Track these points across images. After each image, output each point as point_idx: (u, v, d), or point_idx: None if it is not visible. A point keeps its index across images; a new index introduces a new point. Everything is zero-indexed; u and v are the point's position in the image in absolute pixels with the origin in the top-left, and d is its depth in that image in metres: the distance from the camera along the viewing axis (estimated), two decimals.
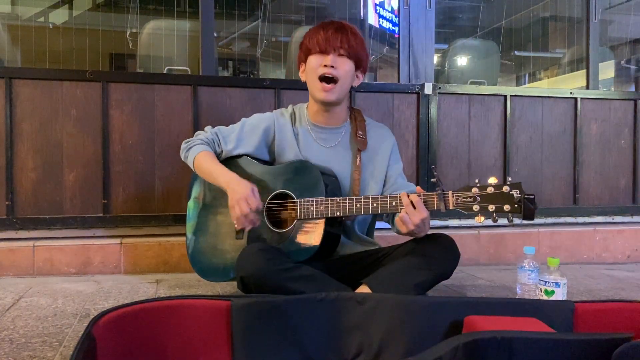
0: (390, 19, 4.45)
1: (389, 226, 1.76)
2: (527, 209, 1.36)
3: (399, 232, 1.69)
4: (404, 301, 1.23)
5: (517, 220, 1.41)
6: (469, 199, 1.41)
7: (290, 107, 1.82)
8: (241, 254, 1.51)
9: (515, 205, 1.37)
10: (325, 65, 1.63)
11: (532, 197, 1.36)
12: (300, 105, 1.82)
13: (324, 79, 1.64)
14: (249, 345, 1.19)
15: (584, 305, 1.26)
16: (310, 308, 1.23)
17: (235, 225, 1.61)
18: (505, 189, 1.38)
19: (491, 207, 1.39)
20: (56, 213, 2.24)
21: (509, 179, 1.41)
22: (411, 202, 1.45)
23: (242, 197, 1.56)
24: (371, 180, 1.75)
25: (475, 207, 1.40)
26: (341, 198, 1.55)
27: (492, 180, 1.40)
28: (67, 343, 1.34)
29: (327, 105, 1.71)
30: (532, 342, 0.99)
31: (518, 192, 1.37)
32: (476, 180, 1.43)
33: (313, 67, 1.66)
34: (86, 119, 2.26)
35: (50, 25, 3.57)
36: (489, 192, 1.39)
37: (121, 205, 2.29)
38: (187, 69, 2.90)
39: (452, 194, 1.43)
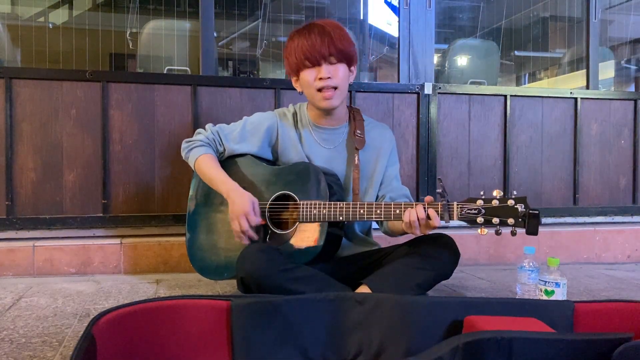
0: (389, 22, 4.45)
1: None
2: (532, 223, 1.36)
3: (391, 232, 1.69)
4: (404, 301, 1.23)
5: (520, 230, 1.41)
6: (473, 211, 1.41)
7: (291, 107, 1.81)
8: (241, 254, 1.51)
9: (520, 220, 1.37)
10: (321, 78, 1.60)
11: (536, 212, 1.36)
12: (300, 105, 1.81)
13: (323, 90, 1.62)
14: (249, 345, 1.19)
15: (584, 305, 1.26)
16: (310, 308, 1.23)
17: (236, 238, 1.62)
18: (510, 202, 1.38)
19: (495, 220, 1.39)
20: (56, 213, 2.24)
21: (514, 192, 1.41)
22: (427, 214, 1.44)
23: (242, 213, 1.56)
24: (371, 179, 1.75)
25: (480, 220, 1.41)
26: (344, 203, 1.55)
27: (497, 193, 1.40)
28: (67, 343, 1.34)
29: (330, 111, 1.70)
30: (532, 342, 0.99)
31: (523, 207, 1.37)
32: (481, 192, 1.43)
33: (309, 82, 1.63)
34: (86, 119, 2.26)
35: (50, 25, 3.57)
36: (494, 205, 1.40)
37: (121, 205, 2.29)
38: (187, 69, 2.90)
39: (457, 205, 1.43)
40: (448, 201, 1.43)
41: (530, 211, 1.36)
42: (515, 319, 1.20)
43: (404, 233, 1.63)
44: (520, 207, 1.37)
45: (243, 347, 1.19)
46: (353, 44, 1.67)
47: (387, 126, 1.85)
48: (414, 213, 1.44)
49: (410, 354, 1.15)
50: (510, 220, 1.38)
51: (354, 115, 1.78)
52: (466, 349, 0.97)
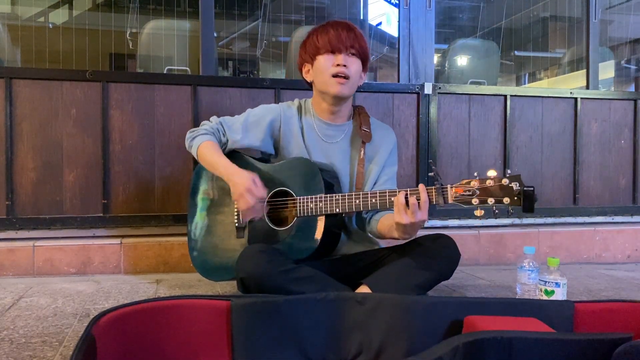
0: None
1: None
2: (527, 201, 1.34)
3: (379, 234, 1.66)
4: (404, 301, 1.23)
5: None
6: (468, 193, 1.40)
7: (296, 101, 1.82)
8: (241, 255, 1.51)
9: (515, 198, 1.35)
10: (338, 65, 1.64)
11: (531, 189, 1.33)
12: (306, 99, 1.82)
13: (337, 77, 1.65)
14: (249, 345, 1.19)
15: (584, 305, 1.26)
16: (310, 308, 1.23)
17: (241, 218, 1.63)
18: (505, 181, 1.36)
19: (490, 200, 1.37)
20: (56, 213, 2.24)
21: (508, 171, 1.39)
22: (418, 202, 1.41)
23: (244, 189, 1.55)
24: (371, 175, 1.75)
25: (475, 201, 1.38)
26: (340, 194, 1.55)
27: (491, 173, 1.38)
28: (67, 343, 1.34)
29: (338, 100, 1.70)
30: (532, 342, 0.99)
31: (517, 185, 1.35)
32: (475, 174, 1.40)
33: (324, 67, 1.66)
34: (86, 119, 2.26)
35: (50, 25, 3.57)
36: (488, 185, 1.37)
37: (121, 205, 2.29)
38: (187, 69, 2.90)
39: (451, 187, 1.42)
40: (442, 184, 1.42)
41: (525, 188, 1.34)
42: (515, 319, 1.20)
43: (392, 237, 1.60)
44: (515, 185, 1.35)
45: (243, 347, 1.19)
46: (368, 51, 1.73)
47: (390, 127, 1.86)
48: (401, 196, 1.42)
49: (410, 354, 1.15)
50: (506, 200, 1.35)
51: (359, 112, 1.79)
52: (466, 349, 0.97)
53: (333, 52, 1.65)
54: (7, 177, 2.19)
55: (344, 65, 1.64)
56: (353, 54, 1.67)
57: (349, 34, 1.65)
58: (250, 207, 1.56)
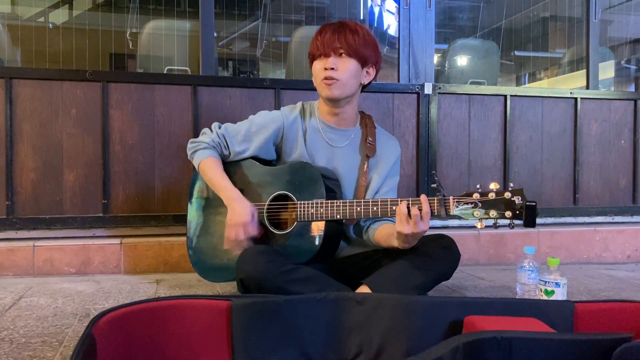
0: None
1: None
2: (529, 216, 1.34)
3: (376, 243, 1.65)
4: (404, 301, 1.23)
5: (517, 221, 1.40)
6: (469, 205, 1.40)
7: (299, 104, 1.80)
8: (241, 256, 1.51)
9: (517, 212, 1.35)
10: (326, 69, 1.62)
11: (533, 204, 1.34)
12: (312, 102, 1.81)
13: (325, 79, 1.64)
14: (249, 345, 1.19)
15: (584, 305, 1.26)
16: (310, 308, 1.23)
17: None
18: (507, 195, 1.36)
19: (492, 213, 1.37)
20: (56, 213, 2.24)
21: (511, 184, 1.40)
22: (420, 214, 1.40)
23: (241, 222, 1.57)
24: (372, 184, 1.75)
25: (477, 213, 1.39)
26: (341, 201, 1.55)
27: (494, 185, 1.39)
28: (67, 343, 1.34)
29: (334, 103, 1.70)
30: (532, 342, 0.99)
31: (520, 199, 1.35)
32: (477, 186, 1.41)
33: (315, 72, 1.67)
34: (86, 119, 2.26)
35: (50, 25, 3.57)
36: (490, 198, 1.38)
37: (121, 205, 2.29)
38: (187, 69, 2.90)
39: (453, 199, 1.42)
40: (444, 196, 1.42)
41: (527, 203, 1.34)
42: (515, 319, 1.20)
43: (390, 246, 1.58)
44: (517, 200, 1.35)
45: (243, 347, 1.19)
46: (371, 46, 1.67)
47: (395, 138, 1.85)
48: (404, 206, 1.41)
49: (410, 354, 1.15)
50: (508, 213, 1.36)
51: (367, 122, 1.78)
52: (466, 349, 0.97)
53: (323, 56, 1.64)
54: (7, 177, 2.19)
55: (332, 69, 1.62)
56: (343, 54, 1.63)
57: (334, 36, 1.62)
58: (238, 241, 1.58)
